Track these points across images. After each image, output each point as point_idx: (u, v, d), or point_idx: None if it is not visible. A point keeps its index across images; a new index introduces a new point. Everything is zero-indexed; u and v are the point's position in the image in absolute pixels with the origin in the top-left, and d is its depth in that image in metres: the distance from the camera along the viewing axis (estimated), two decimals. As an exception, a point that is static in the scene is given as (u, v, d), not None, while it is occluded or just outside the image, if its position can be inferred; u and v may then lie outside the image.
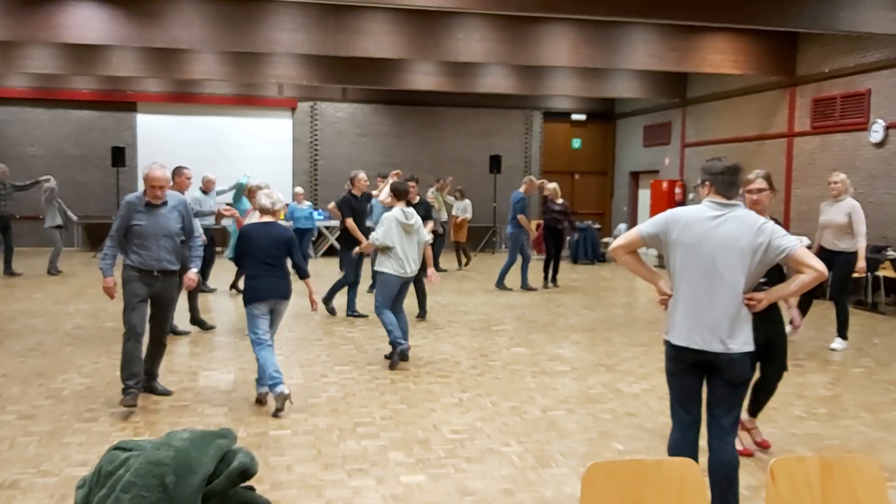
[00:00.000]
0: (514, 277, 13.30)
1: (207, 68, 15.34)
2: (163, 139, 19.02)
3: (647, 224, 3.99)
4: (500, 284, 13.17)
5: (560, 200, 13.74)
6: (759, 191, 4.83)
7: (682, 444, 3.91)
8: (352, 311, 10.24)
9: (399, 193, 7.80)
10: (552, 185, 13.97)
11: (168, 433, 2.09)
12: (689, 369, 3.86)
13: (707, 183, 3.91)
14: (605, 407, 6.38)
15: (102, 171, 18.53)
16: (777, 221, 4.23)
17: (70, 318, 9.79)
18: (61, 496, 4.36)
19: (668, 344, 3.91)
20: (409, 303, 8.92)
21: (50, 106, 18.65)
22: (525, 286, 13.11)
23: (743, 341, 3.76)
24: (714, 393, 3.83)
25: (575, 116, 21.50)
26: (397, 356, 7.54)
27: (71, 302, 11.06)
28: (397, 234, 7.54)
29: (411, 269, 7.64)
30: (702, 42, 13.57)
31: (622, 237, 4.02)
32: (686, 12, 10.09)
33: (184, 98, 19.05)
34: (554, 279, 13.64)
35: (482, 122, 20.82)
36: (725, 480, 3.76)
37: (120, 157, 17.52)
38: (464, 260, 16.58)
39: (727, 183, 3.85)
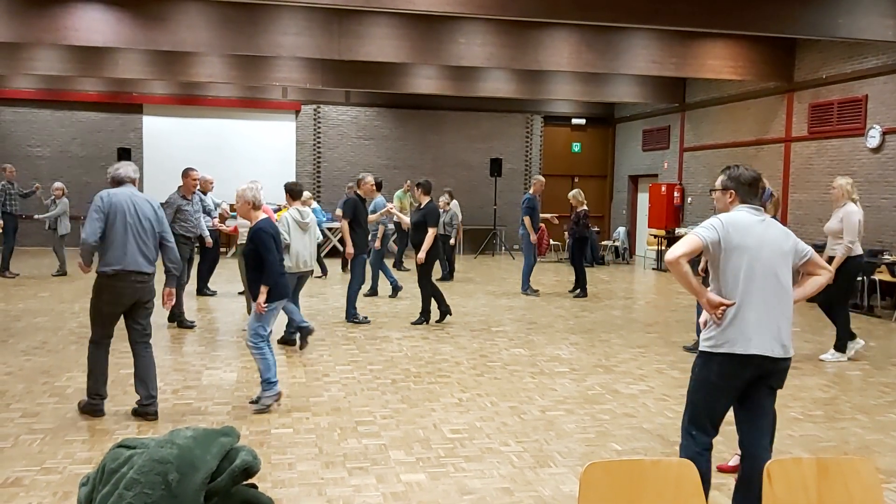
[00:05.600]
0: (536, 278, 13.25)
1: (212, 71, 15.45)
2: (168, 141, 19.14)
3: (705, 229, 3.83)
4: (526, 289, 12.98)
5: (583, 207, 13.20)
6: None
7: (705, 458, 3.86)
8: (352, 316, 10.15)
9: (293, 194, 8.56)
10: (573, 193, 13.41)
11: (171, 431, 2.17)
12: (740, 384, 3.80)
13: (732, 191, 3.97)
14: (604, 408, 6.46)
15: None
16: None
17: (75, 317, 9.88)
18: (64, 493, 4.43)
19: (722, 356, 3.78)
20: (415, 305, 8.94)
21: (56, 107, 18.78)
22: (525, 289, 13.08)
23: (791, 345, 3.88)
24: (757, 401, 3.86)
25: (575, 120, 21.62)
26: (306, 338, 8.27)
27: (76, 301, 11.15)
28: (294, 232, 8.30)
29: (306, 264, 8.46)
30: (701, 48, 13.67)
31: (682, 245, 3.78)
32: (685, 18, 10.19)
33: (189, 100, 19.17)
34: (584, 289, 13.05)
35: (483, 126, 20.93)
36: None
37: (125, 158, 17.61)
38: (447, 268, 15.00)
39: (752, 193, 3.95)
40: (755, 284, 3.76)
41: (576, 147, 21.96)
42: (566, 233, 13.16)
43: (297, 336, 8.40)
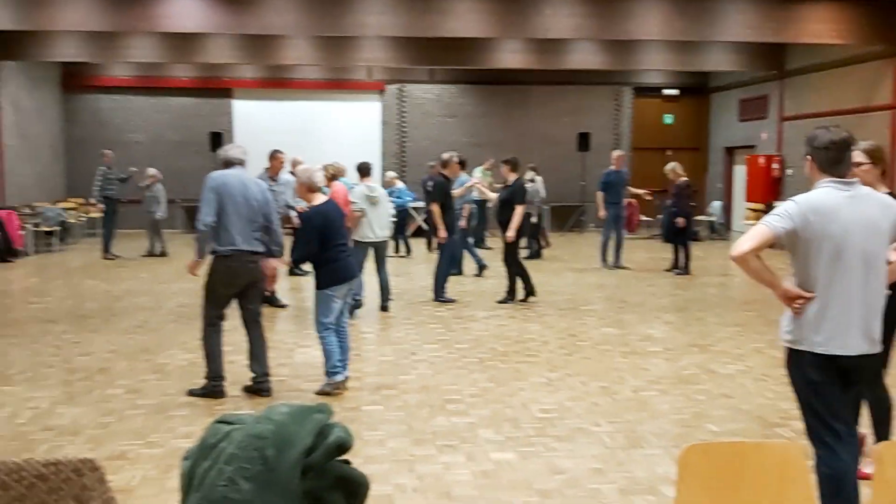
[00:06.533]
0: (627, 255, 13.19)
1: (299, 53, 15.67)
2: (257, 124, 19.55)
3: (778, 217, 3.34)
4: (618, 262, 12.99)
5: (682, 179, 12.53)
6: (857, 165, 4.05)
7: (848, 465, 3.36)
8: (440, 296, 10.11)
9: (363, 172, 9.29)
10: (671, 165, 12.73)
11: (268, 407, 2.18)
12: (836, 376, 3.40)
13: (809, 158, 3.45)
14: (699, 388, 6.25)
15: (201, 156, 19.20)
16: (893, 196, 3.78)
17: (174, 297, 10.23)
18: (167, 466, 4.58)
19: (808, 354, 3.38)
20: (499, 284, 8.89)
21: (151, 93, 19.43)
22: (603, 262, 12.96)
23: (880, 336, 3.44)
24: (841, 397, 3.46)
25: (667, 91, 20.96)
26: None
27: (174, 281, 11.55)
28: (365, 205, 8.84)
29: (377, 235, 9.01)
30: (801, 11, 12.98)
31: (748, 239, 3.33)
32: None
33: (277, 83, 19.52)
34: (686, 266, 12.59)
35: (570, 100, 20.53)
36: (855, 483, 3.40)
37: (217, 142, 18.05)
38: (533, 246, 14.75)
39: (831, 160, 3.37)
40: (841, 276, 3.29)
41: (668, 119, 21.32)
42: (668, 208, 12.58)
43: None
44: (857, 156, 4.11)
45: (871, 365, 3.55)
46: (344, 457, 2.22)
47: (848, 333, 3.33)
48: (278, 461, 2.00)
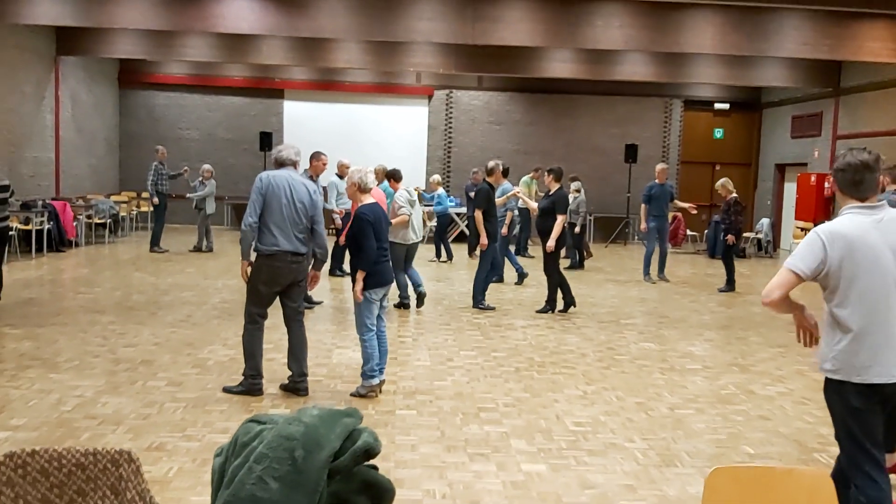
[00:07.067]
0: (671, 270, 13.20)
1: (350, 57, 15.84)
2: (306, 125, 19.81)
3: (801, 258, 3.31)
4: (661, 275, 13.11)
5: (733, 195, 12.36)
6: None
7: (887, 495, 3.32)
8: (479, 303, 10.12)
9: (396, 177, 9.96)
10: (721, 182, 12.53)
11: (299, 409, 2.23)
12: (878, 403, 3.35)
13: (833, 180, 3.41)
14: (737, 408, 6.17)
15: (251, 154, 19.54)
16: None
17: (218, 293, 10.41)
18: (203, 460, 4.67)
19: (848, 384, 3.33)
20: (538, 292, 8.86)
21: (205, 92, 19.80)
22: (646, 275, 13.00)
23: None
24: (881, 424, 3.40)
25: (718, 105, 20.71)
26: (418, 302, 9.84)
27: (219, 278, 11.75)
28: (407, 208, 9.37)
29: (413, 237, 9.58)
30: (858, 28, 12.71)
31: (776, 288, 3.32)
32: (841, -2, 9.51)
33: (327, 85, 19.75)
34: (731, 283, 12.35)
35: (618, 110, 20.40)
36: None
37: (267, 141, 18.37)
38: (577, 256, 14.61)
39: (849, 182, 3.34)
40: (875, 304, 3.24)
41: (718, 133, 21.05)
42: (718, 223, 12.49)
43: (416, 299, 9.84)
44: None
45: None
46: (372, 462, 2.26)
47: (888, 361, 3.27)
48: (307, 463, 2.05)
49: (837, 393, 3.39)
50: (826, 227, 3.34)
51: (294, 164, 6.00)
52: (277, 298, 6.03)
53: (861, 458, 3.34)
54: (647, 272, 13.02)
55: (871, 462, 3.33)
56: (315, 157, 9.26)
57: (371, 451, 2.21)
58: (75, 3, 12.28)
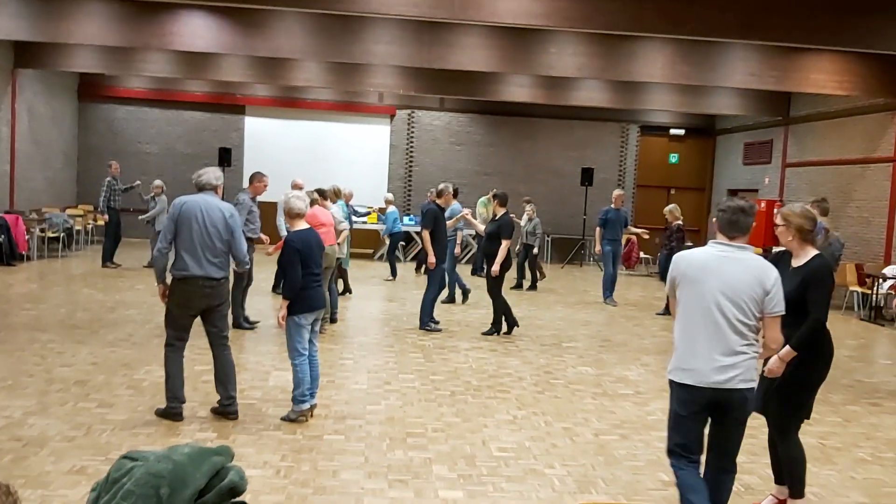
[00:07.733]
0: (620, 293, 13.43)
1: (310, 75, 15.95)
2: (268, 141, 19.86)
3: (669, 276, 4.12)
4: (607, 298, 13.39)
5: (677, 222, 12.80)
6: (776, 226, 4.73)
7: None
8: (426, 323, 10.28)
9: (326, 196, 10.16)
10: (669, 208, 13.03)
11: (171, 447, 2.31)
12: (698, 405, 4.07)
13: (714, 219, 4.08)
14: (660, 434, 6.31)
15: (209, 169, 19.50)
16: (833, 254, 4.35)
17: (163, 311, 10.33)
18: (124, 483, 4.70)
19: (676, 384, 4.10)
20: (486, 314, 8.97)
21: (165, 106, 19.78)
22: (606, 298, 13.33)
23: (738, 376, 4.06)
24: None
25: (673, 131, 21.14)
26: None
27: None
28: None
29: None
30: (804, 61, 13.12)
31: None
32: (781, 34, 9.83)
33: (288, 103, 19.83)
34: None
35: (576, 134, 20.74)
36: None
37: (227, 157, 18.38)
38: (531, 278, 14.86)
39: (724, 221, 3.92)
40: (700, 322, 3.86)
41: (673, 158, 21.47)
42: (664, 247, 12.95)
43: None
44: (776, 217, 4.68)
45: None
46: (241, 499, 2.35)
47: (698, 368, 3.86)
48: (171, 500, 2.13)
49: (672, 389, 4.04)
50: (684, 252, 4.03)
51: (214, 189, 6.01)
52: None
53: None
54: (606, 295, 13.32)
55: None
56: (257, 177, 9.29)
57: (236, 489, 2.30)
58: (33, 18, 12.25)
